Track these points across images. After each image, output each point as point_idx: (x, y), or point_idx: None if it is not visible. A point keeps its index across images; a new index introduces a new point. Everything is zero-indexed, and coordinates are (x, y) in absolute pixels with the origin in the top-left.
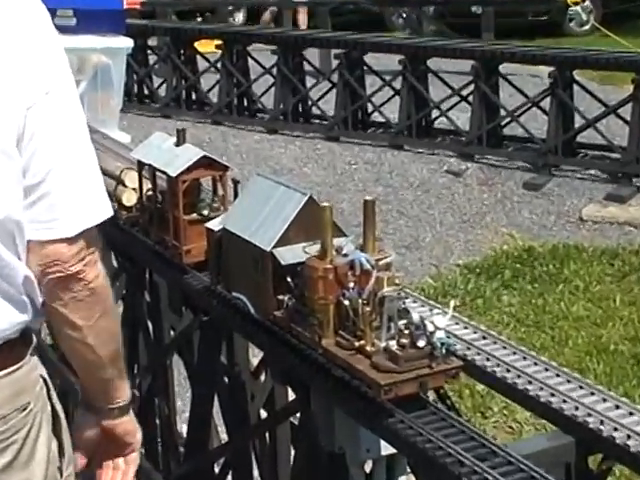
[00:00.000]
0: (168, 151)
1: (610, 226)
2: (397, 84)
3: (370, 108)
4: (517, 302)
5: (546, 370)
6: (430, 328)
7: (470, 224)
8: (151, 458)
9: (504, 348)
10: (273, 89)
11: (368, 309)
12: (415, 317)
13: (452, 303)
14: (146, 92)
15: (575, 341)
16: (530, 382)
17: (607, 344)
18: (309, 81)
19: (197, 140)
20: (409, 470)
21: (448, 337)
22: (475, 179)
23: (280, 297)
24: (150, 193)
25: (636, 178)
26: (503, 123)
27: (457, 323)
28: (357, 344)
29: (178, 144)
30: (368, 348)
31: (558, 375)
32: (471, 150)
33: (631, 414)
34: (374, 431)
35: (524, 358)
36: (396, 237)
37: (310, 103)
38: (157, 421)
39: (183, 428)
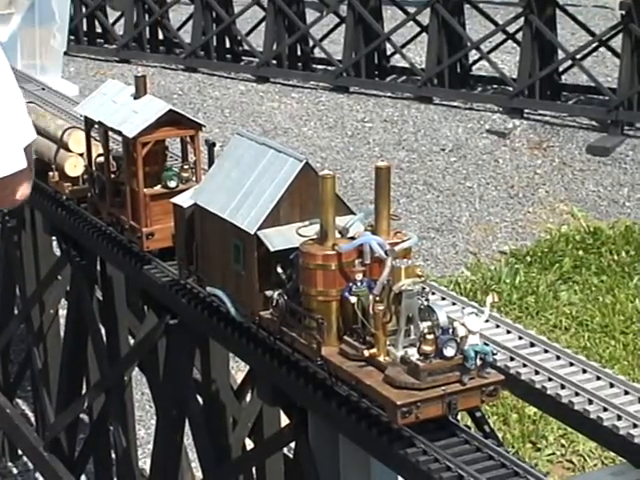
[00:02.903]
0: (124, 105)
1: None
2: (424, 18)
3: (389, 49)
4: (579, 300)
5: (612, 386)
6: (461, 332)
7: (519, 199)
8: None
9: (557, 358)
10: (263, 25)
11: (381, 308)
12: (442, 318)
13: (489, 299)
14: (99, 30)
15: None
16: (591, 401)
17: None
18: (310, 15)
19: (165, 92)
20: None
21: (485, 344)
22: (525, 141)
23: (268, 293)
24: (101, 160)
25: None
26: (561, 68)
27: (497, 326)
28: (367, 353)
29: (137, 95)
30: (381, 358)
31: (627, 393)
32: (520, 103)
33: None
34: (389, 465)
35: (584, 371)
36: (423, 217)
37: (311, 44)
38: (112, 455)
39: (146, 464)
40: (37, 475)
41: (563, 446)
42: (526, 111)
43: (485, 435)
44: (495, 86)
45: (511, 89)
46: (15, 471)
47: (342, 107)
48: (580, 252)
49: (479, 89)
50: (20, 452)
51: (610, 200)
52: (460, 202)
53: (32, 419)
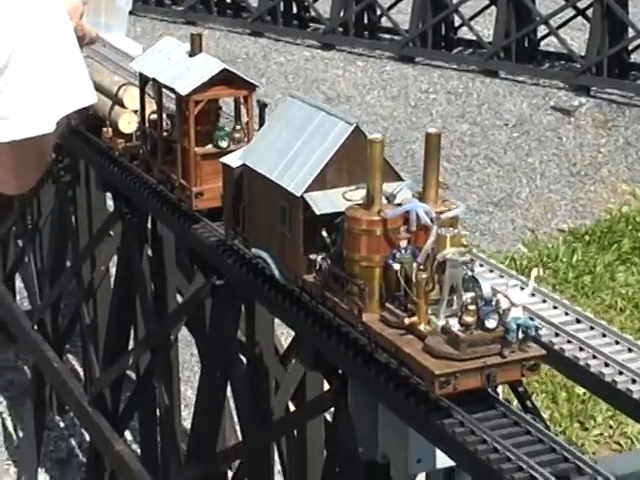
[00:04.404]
0: (179, 62)
1: None
2: None
3: (457, 21)
4: (636, 282)
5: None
6: (504, 304)
7: (580, 178)
8: (146, 460)
9: (604, 336)
10: None
11: (424, 276)
12: (485, 289)
13: (534, 272)
14: None
15: None
16: (634, 381)
17: None
18: None
19: (230, 55)
20: None
21: (531, 319)
22: (590, 119)
23: (312, 257)
24: (154, 117)
25: None
26: (631, 47)
27: (544, 301)
28: (408, 321)
29: (192, 53)
30: (422, 327)
31: None
32: (587, 81)
33: None
34: (426, 435)
35: (629, 350)
36: (482, 191)
37: (379, 12)
38: (156, 412)
39: (188, 422)
40: (82, 430)
41: (611, 427)
42: (593, 89)
43: (525, 409)
44: (562, 62)
45: (578, 66)
46: (62, 425)
47: (406, 77)
48: None
49: (546, 65)
50: (67, 407)
51: None
52: (521, 178)
53: (80, 374)
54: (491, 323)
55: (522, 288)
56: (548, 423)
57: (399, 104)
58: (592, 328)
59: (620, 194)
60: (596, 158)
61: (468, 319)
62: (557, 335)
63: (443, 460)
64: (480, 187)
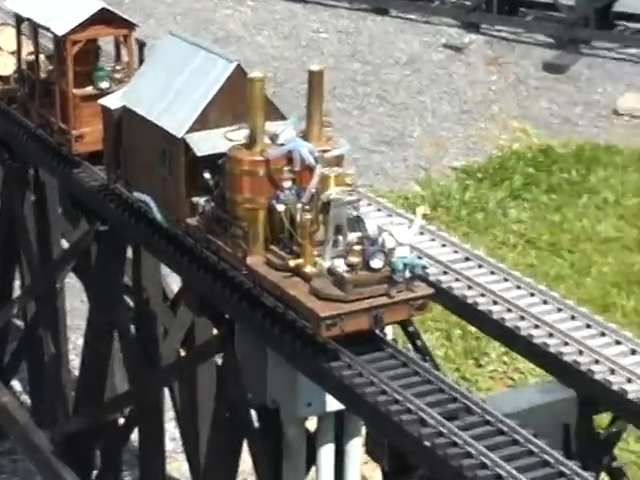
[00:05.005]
0: (57, 2)
1: None
2: None
3: None
4: (528, 218)
5: (545, 303)
6: (390, 244)
7: (472, 115)
8: (34, 410)
9: (492, 273)
10: None
11: (309, 217)
12: (371, 228)
13: (420, 209)
14: None
15: (600, 269)
16: (523, 317)
17: None
18: None
19: None
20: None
21: (418, 257)
22: (481, 56)
23: (195, 200)
24: (31, 58)
25: None
26: None
27: (433, 239)
28: (293, 263)
29: None
30: (307, 269)
31: (560, 310)
32: (477, 18)
33: None
34: (313, 378)
35: (518, 287)
36: (374, 130)
37: None
38: (44, 360)
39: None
40: None
41: (505, 363)
42: (483, 26)
43: (416, 349)
44: (452, 0)
45: (468, 3)
46: None
47: (297, 17)
48: (531, 170)
49: (436, 2)
50: None
51: (563, 118)
52: (413, 116)
53: None
54: (377, 263)
55: (408, 226)
56: (442, 361)
57: (290, 44)
58: (481, 266)
59: (511, 131)
60: (487, 95)
61: (353, 259)
62: (445, 273)
63: (334, 403)
64: (372, 126)
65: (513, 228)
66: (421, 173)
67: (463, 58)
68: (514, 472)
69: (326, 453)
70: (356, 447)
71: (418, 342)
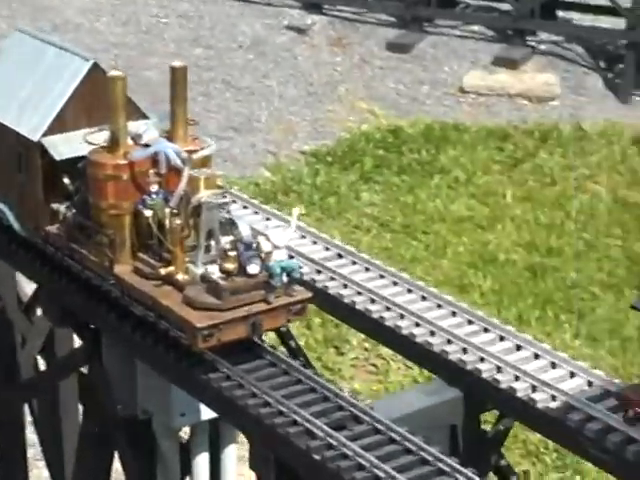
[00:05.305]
0: None
1: (499, 99)
2: None
3: None
4: (380, 200)
5: (409, 292)
6: (266, 247)
7: (319, 98)
8: None
9: (367, 270)
10: None
11: (179, 222)
12: (244, 232)
13: (296, 211)
14: None
15: (455, 249)
16: (389, 308)
17: (495, 253)
18: None
19: None
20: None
21: (290, 257)
22: (325, 38)
23: (55, 206)
24: None
25: (531, 36)
26: None
27: (303, 236)
28: (164, 271)
29: None
30: (179, 277)
31: (425, 298)
32: None
33: (537, 357)
34: (190, 391)
35: (381, 276)
36: (221, 116)
37: None
38: None
39: None
40: None
41: (366, 350)
42: (325, 7)
43: (291, 352)
44: None
45: None
46: None
47: (135, 2)
48: (381, 151)
49: None
50: None
51: (410, 98)
52: (259, 101)
53: None
54: (253, 268)
55: (284, 227)
56: (303, 348)
57: (130, 30)
58: (355, 262)
59: (359, 112)
60: (333, 77)
61: (229, 266)
62: (319, 272)
63: (208, 411)
64: (219, 112)
65: (366, 211)
66: (271, 158)
67: (307, 40)
68: None
69: (201, 463)
70: (232, 455)
71: (292, 343)
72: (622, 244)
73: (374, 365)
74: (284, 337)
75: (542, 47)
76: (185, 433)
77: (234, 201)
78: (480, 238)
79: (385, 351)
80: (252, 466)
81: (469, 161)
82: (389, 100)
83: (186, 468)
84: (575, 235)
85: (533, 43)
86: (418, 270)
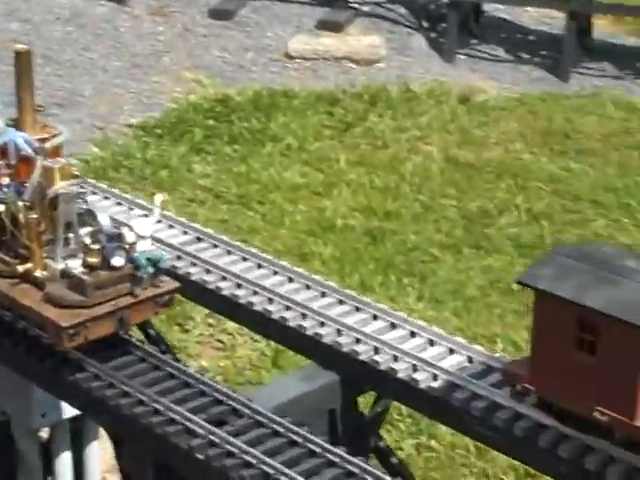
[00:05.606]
0: None
1: (325, 63)
2: None
3: None
4: (213, 171)
5: (244, 260)
6: (130, 238)
7: (143, 69)
8: None
9: (229, 253)
10: None
11: (34, 216)
12: (104, 222)
13: (159, 197)
14: None
15: (293, 218)
16: (240, 286)
17: (333, 219)
18: None
19: None
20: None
21: (155, 247)
22: (145, 7)
23: None
24: None
25: None
26: None
27: (159, 221)
28: (22, 268)
29: None
30: (38, 273)
31: (276, 273)
32: None
33: (393, 325)
34: (55, 393)
35: (229, 252)
36: (44, 92)
37: None
38: None
39: None
40: None
41: (210, 325)
42: None
43: (154, 343)
44: None
45: None
46: None
47: None
48: (211, 121)
49: None
50: None
51: (236, 65)
52: (82, 74)
53: None
54: (118, 261)
55: (147, 216)
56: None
57: None
58: (216, 246)
59: (185, 82)
60: (156, 47)
61: (92, 259)
62: (179, 258)
63: (69, 410)
64: (42, 88)
65: (200, 183)
66: (98, 134)
67: (128, 10)
68: (299, 478)
69: (63, 462)
70: (95, 452)
71: (151, 331)
72: (457, 204)
73: (220, 341)
74: (143, 325)
75: (365, 9)
76: (46, 433)
77: (94, 192)
78: (317, 205)
79: (231, 325)
80: (123, 466)
81: (300, 127)
82: (215, 69)
83: (47, 469)
84: (411, 197)
85: (356, 5)
86: (257, 241)
